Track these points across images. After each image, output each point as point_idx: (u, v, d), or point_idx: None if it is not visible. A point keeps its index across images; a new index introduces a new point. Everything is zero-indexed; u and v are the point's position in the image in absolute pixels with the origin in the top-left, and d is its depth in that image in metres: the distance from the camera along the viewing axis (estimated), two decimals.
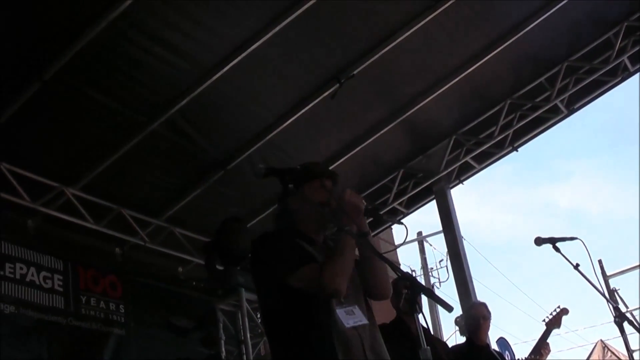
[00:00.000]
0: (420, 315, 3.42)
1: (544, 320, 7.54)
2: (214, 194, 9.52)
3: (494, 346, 10.42)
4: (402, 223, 3.84)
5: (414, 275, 3.58)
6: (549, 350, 7.38)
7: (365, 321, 3.71)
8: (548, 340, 7.46)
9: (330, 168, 9.16)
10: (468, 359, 7.01)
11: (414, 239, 25.18)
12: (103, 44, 6.94)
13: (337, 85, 8.46)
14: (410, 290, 3.37)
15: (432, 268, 24.75)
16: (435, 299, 3.42)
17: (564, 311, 7.49)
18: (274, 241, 3.91)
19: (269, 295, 3.84)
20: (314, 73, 8.45)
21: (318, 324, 3.57)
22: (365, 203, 3.79)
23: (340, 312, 3.62)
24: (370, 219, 3.95)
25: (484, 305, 7.53)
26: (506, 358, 14.20)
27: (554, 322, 7.45)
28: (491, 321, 7.56)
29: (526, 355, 7.49)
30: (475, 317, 7.29)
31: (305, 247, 3.81)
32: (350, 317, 3.63)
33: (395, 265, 3.62)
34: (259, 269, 3.93)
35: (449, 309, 3.42)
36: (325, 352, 3.54)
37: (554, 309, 7.55)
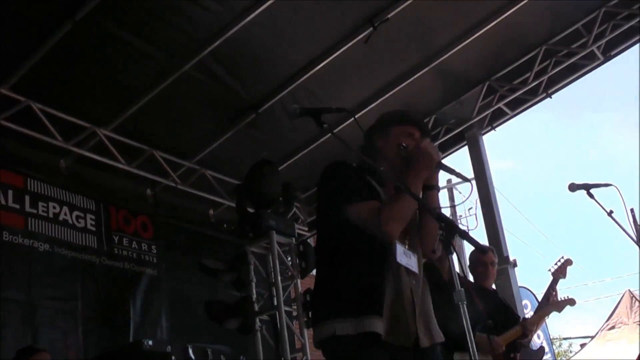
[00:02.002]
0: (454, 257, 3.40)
1: (549, 270, 7.51)
2: (246, 136, 9.53)
3: (518, 293, 10.44)
4: (468, 180, 3.84)
5: None
6: (569, 302, 7.33)
7: (416, 270, 3.70)
8: (558, 291, 7.43)
9: (362, 113, 9.19)
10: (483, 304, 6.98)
11: (443, 187, 25.11)
12: None
13: (371, 29, 8.37)
14: (445, 232, 3.34)
15: (461, 215, 24.72)
16: (470, 241, 3.41)
17: (568, 262, 7.44)
18: (345, 170, 3.87)
19: (329, 221, 3.82)
20: (348, 16, 8.35)
21: (373, 253, 3.60)
22: (440, 156, 3.76)
23: (399, 248, 3.60)
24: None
25: (491, 250, 7.47)
26: (523, 308, 14.21)
27: (559, 272, 7.41)
28: (516, 269, 7.53)
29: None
30: (483, 263, 7.21)
31: (374, 184, 3.81)
32: (405, 258, 3.62)
33: (429, 207, 3.59)
34: (323, 192, 3.92)
35: (484, 251, 3.42)
36: (376, 277, 3.57)
37: (558, 259, 7.51)
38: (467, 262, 7.34)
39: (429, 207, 3.62)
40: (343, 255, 3.66)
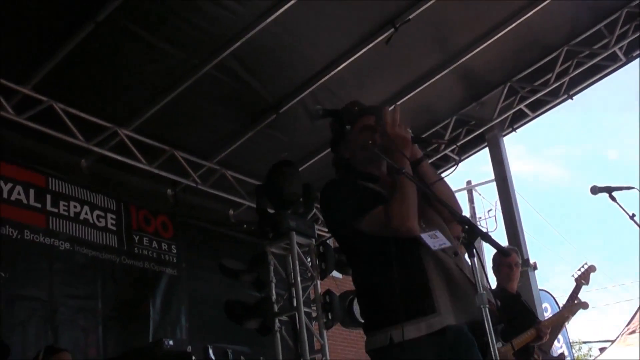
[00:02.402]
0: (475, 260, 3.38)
1: (572, 276, 7.48)
2: (266, 137, 9.53)
3: (538, 295, 10.39)
4: (455, 144, 3.81)
5: None
6: (582, 306, 7.29)
7: (449, 243, 3.62)
8: (580, 297, 7.39)
9: None
10: (504, 306, 6.94)
11: (463, 188, 25.06)
12: None
13: (392, 30, 8.36)
14: (467, 234, 3.33)
15: (480, 217, 24.66)
16: (492, 243, 3.38)
17: (592, 268, 7.41)
18: (338, 187, 3.86)
19: (345, 240, 3.82)
20: (369, 17, 8.35)
21: (404, 252, 3.54)
22: (410, 131, 3.70)
23: (425, 237, 3.54)
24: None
25: (515, 251, 7.43)
26: (544, 311, 14.13)
27: (582, 278, 7.37)
28: (536, 272, 7.50)
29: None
30: (507, 264, 7.17)
31: (370, 186, 3.75)
32: (435, 241, 3.58)
33: (452, 209, 3.58)
34: (329, 217, 3.92)
35: (506, 254, 3.40)
36: (416, 273, 3.53)
37: (581, 265, 7.48)
38: (490, 264, 7.31)
39: (441, 200, 3.60)
40: (376, 262, 3.62)
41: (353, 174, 3.82)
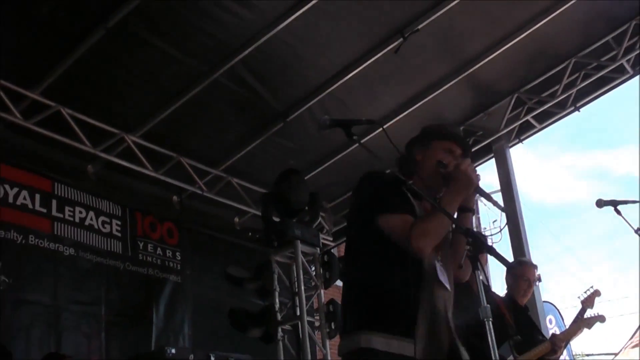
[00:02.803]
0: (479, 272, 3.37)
1: (578, 298, 7.46)
2: (273, 145, 9.55)
3: (542, 308, 10.36)
4: (502, 208, 3.82)
5: None
6: (599, 319, 7.26)
7: (449, 288, 3.68)
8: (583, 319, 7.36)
9: (390, 123, 9.18)
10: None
11: None
12: None
13: (401, 39, 8.36)
14: (472, 247, 3.32)
15: (485, 228, 24.62)
16: (497, 257, 3.37)
17: (597, 293, 7.38)
18: (382, 180, 3.86)
19: (358, 232, 3.79)
20: (378, 26, 8.35)
21: (409, 268, 3.53)
22: (479, 179, 3.69)
23: (437, 265, 3.60)
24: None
25: (536, 267, 7.40)
26: (548, 323, 14.08)
27: (587, 302, 7.36)
28: (540, 284, 7.48)
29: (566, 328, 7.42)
30: (526, 279, 7.14)
31: (409, 197, 3.74)
32: (442, 275, 3.60)
33: (456, 221, 3.57)
34: (359, 200, 3.90)
35: (510, 267, 3.39)
36: (411, 293, 3.51)
37: (587, 289, 7.46)
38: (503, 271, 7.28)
39: (458, 223, 3.60)
40: (376, 266, 3.61)
41: (405, 179, 3.78)
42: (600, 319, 7.26)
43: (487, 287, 4.75)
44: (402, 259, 3.51)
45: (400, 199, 3.69)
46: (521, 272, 7.14)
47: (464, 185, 3.62)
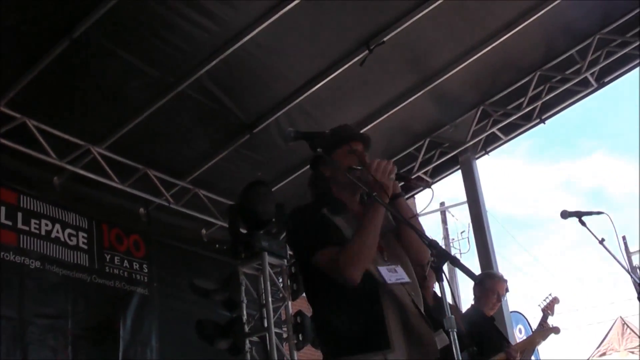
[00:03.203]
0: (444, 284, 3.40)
1: (539, 305, 7.54)
2: (240, 157, 9.55)
3: (510, 318, 10.43)
4: (429, 186, 3.87)
5: None
6: (554, 330, 7.35)
7: (407, 279, 3.72)
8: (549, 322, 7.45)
9: None
10: (473, 327, 6.95)
11: (436, 209, 25.19)
12: (133, 3, 6.94)
13: (367, 52, 8.41)
14: (436, 258, 3.35)
15: (453, 239, 24.77)
16: (461, 268, 3.40)
17: (555, 300, 7.47)
18: (303, 217, 3.91)
19: (306, 267, 3.83)
20: (344, 39, 8.40)
21: (360, 287, 3.55)
22: (393, 179, 3.73)
23: (382, 270, 3.63)
24: (401, 184, 3.93)
25: (506, 282, 7.48)
26: (518, 333, 14.19)
27: (547, 309, 7.44)
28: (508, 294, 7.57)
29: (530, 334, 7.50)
30: (494, 291, 7.21)
31: (333, 221, 3.77)
32: (393, 275, 3.63)
33: (420, 232, 3.60)
34: (291, 243, 4.08)
35: (475, 278, 3.42)
36: (372, 307, 3.56)
37: (546, 296, 7.54)
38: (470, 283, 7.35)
39: (404, 218, 3.64)
40: (333, 294, 3.65)
41: (324, 199, 3.87)
42: (555, 330, 7.34)
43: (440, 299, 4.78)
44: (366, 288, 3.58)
45: (322, 232, 3.72)
46: (491, 285, 7.21)
47: (380, 191, 3.64)
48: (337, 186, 3.89)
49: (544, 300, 7.46)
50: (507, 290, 7.53)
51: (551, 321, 7.35)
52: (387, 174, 3.68)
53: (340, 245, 3.61)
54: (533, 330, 7.70)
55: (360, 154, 3.88)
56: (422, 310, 3.69)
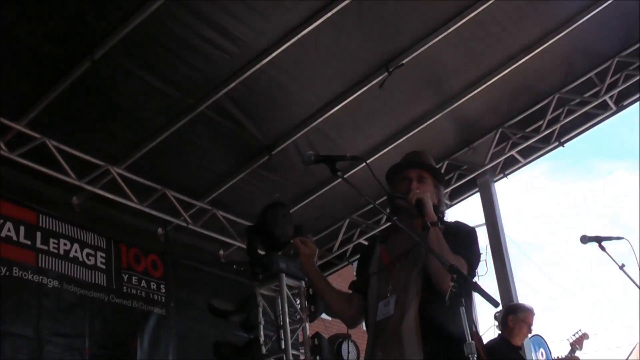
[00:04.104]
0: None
1: (567, 340, 7.55)
2: (258, 178, 9.57)
3: (529, 342, 10.37)
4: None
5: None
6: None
7: (390, 312, 3.85)
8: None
9: (375, 157, 9.23)
10: (502, 358, 6.96)
11: None
12: (154, 25, 6.98)
13: (386, 74, 8.42)
14: (457, 284, 3.33)
15: None
16: (482, 294, 3.38)
17: (585, 336, 7.53)
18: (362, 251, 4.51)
19: None
20: (363, 61, 8.42)
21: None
22: (420, 195, 3.89)
23: (380, 305, 3.86)
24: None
25: (534, 314, 7.49)
26: (540, 356, 14.10)
27: (576, 344, 7.45)
28: None
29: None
30: (527, 322, 7.26)
31: (374, 253, 4.16)
32: (384, 309, 3.77)
33: (440, 257, 3.59)
34: None
35: (495, 304, 3.40)
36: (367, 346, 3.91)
37: (576, 332, 7.56)
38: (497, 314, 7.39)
39: (440, 259, 3.63)
40: None
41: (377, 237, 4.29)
42: (585, 336, 7.40)
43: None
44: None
45: (362, 266, 4.19)
46: (524, 317, 7.25)
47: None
48: (398, 211, 4.12)
49: (574, 335, 7.51)
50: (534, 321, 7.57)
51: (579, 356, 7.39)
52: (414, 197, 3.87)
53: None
54: (553, 350, 7.75)
55: (409, 181, 4.09)
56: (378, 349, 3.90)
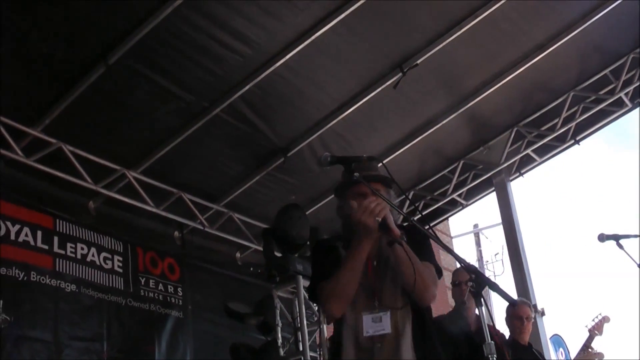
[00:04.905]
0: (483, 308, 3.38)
1: (586, 326, 7.46)
2: (274, 180, 9.57)
3: (548, 342, 10.31)
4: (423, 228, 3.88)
5: None
6: (597, 356, 7.27)
7: (387, 330, 3.76)
8: (594, 346, 7.36)
9: (391, 157, 9.21)
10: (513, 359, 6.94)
11: (470, 231, 25.04)
12: (167, 29, 6.99)
13: (400, 74, 8.41)
14: (474, 283, 3.33)
15: (487, 261, 24.57)
16: (499, 293, 3.38)
17: (606, 319, 7.40)
18: (318, 248, 4.28)
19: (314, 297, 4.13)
20: (377, 61, 8.41)
21: (338, 332, 3.88)
22: (379, 220, 3.72)
23: (366, 319, 3.74)
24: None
25: (527, 304, 7.45)
26: (559, 356, 14.03)
27: (595, 329, 7.35)
28: (544, 318, 7.53)
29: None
30: (519, 317, 7.20)
31: (340, 256, 3.94)
32: (374, 325, 3.69)
33: (459, 257, 3.58)
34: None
35: (513, 303, 3.40)
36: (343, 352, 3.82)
37: (596, 316, 7.46)
38: (504, 314, 7.33)
39: (459, 258, 3.61)
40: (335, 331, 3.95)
41: (342, 233, 4.04)
42: (599, 355, 7.28)
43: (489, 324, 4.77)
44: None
45: (322, 269, 3.94)
46: (515, 311, 7.20)
47: (362, 233, 3.75)
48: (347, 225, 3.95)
49: (593, 320, 7.40)
50: (542, 311, 7.50)
51: (597, 343, 7.28)
52: (370, 215, 3.71)
53: None
54: (572, 350, 7.63)
55: (364, 195, 3.89)
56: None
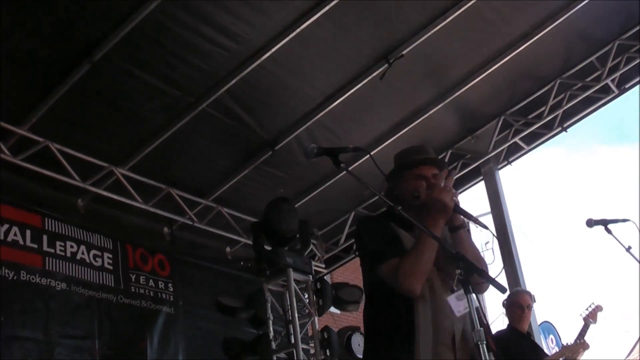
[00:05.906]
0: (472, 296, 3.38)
1: (580, 315, 7.49)
2: (262, 174, 9.57)
3: (538, 330, 10.35)
4: (487, 227, 3.84)
5: None
6: (587, 347, 7.30)
7: (468, 308, 3.71)
8: (586, 337, 7.40)
9: (378, 149, 9.20)
10: (510, 347, 6.97)
11: None
12: (151, 25, 6.98)
13: (386, 65, 8.41)
14: (463, 271, 3.34)
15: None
16: (489, 280, 3.39)
17: (599, 308, 7.45)
18: (371, 229, 4.05)
19: (369, 274, 3.96)
20: (363, 53, 8.40)
21: (398, 317, 3.71)
22: (456, 200, 3.77)
23: (451, 300, 3.65)
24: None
25: (527, 293, 7.51)
26: (550, 343, 14.10)
27: (589, 317, 7.40)
28: (535, 305, 7.58)
29: (569, 343, 7.43)
30: (519, 306, 7.26)
31: (398, 233, 3.86)
32: (459, 304, 3.63)
33: (444, 244, 3.60)
34: (360, 251, 4.15)
35: (503, 290, 3.41)
36: (406, 328, 3.68)
37: (589, 305, 7.50)
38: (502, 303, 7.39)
39: (447, 247, 3.61)
40: (383, 307, 3.83)
41: (392, 214, 3.92)
42: (599, 308, 7.36)
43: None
44: (398, 299, 3.71)
45: (386, 245, 3.81)
46: (511, 301, 7.25)
47: (439, 211, 3.71)
48: (404, 206, 3.85)
49: (586, 309, 7.44)
50: (533, 300, 7.54)
51: (592, 331, 7.32)
52: (449, 194, 3.72)
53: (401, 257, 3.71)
54: (562, 340, 7.68)
55: (427, 179, 3.92)
56: (455, 341, 3.75)
